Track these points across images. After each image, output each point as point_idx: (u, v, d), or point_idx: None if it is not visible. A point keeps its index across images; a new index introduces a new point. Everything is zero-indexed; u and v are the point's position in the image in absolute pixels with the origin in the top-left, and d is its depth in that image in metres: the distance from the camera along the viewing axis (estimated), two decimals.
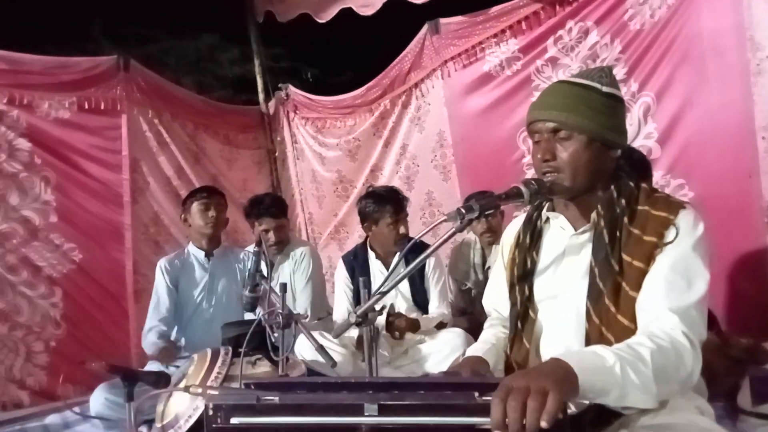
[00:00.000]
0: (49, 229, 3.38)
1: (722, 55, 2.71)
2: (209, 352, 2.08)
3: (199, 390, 1.36)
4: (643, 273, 1.19)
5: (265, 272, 1.99)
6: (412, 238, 2.33)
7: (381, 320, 2.56)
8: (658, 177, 2.90)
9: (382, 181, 4.18)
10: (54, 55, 3.56)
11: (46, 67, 3.47)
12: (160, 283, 2.98)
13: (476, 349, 1.43)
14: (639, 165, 2.38)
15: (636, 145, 2.90)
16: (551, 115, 1.27)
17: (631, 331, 1.16)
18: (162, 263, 3.02)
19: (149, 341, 2.80)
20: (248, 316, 2.60)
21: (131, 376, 1.82)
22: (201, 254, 3.05)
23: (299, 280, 3.15)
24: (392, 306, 2.80)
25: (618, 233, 1.24)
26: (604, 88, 1.27)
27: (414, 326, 2.71)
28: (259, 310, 1.98)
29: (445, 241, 1.29)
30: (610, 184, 1.29)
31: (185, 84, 5.27)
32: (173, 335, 2.93)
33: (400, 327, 2.65)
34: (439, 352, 2.60)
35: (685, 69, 2.84)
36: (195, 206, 2.99)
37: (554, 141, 1.27)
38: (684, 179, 2.90)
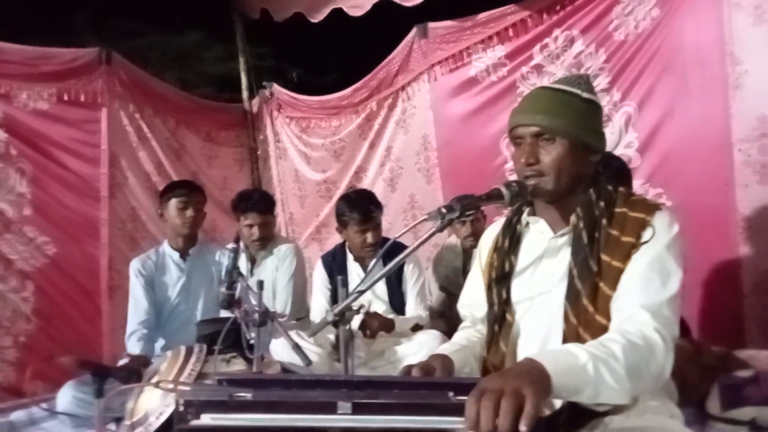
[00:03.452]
0: (23, 221, 3.30)
1: (703, 67, 2.75)
2: (183, 349, 2.05)
3: (170, 386, 1.33)
4: (621, 272, 1.20)
5: (243, 269, 1.97)
6: (389, 239, 2.31)
7: (356, 320, 2.53)
8: (637, 186, 2.93)
9: (366, 182, 4.17)
10: (35, 46, 3.48)
11: (26, 57, 3.40)
12: (135, 286, 2.88)
13: (444, 349, 1.42)
14: (618, 172, 2.41)
15: (616, 153, 2.92)
16: (535, 119, 1.28)
17: (608, 331, 1.17)
18: (135, 265, 2.91)
19: (130, 346, 2.75)
20: (225, 313, 2.56)
21: (102, 371, 1.79)
22: (176, 255, 2.96)
23: (281, 278, 3.11)
24: (369, 306, 2.77)
25: (597, 234, 1.25)
26: (584, 94, 1.30)
27: (387, 326, 2.69)
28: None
29: (425, 241, 1.28)
30: (589, 188, 1.31)
31: (168, 79, 5.18)
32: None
33: (372, 326, 2.62)
34: (416, 354, 2.57)
35: (666, 80, 2.88)
36: (173, 203, 2.90)
37: (537, 145, 1.28)
38: (662, 189, 2.92)
